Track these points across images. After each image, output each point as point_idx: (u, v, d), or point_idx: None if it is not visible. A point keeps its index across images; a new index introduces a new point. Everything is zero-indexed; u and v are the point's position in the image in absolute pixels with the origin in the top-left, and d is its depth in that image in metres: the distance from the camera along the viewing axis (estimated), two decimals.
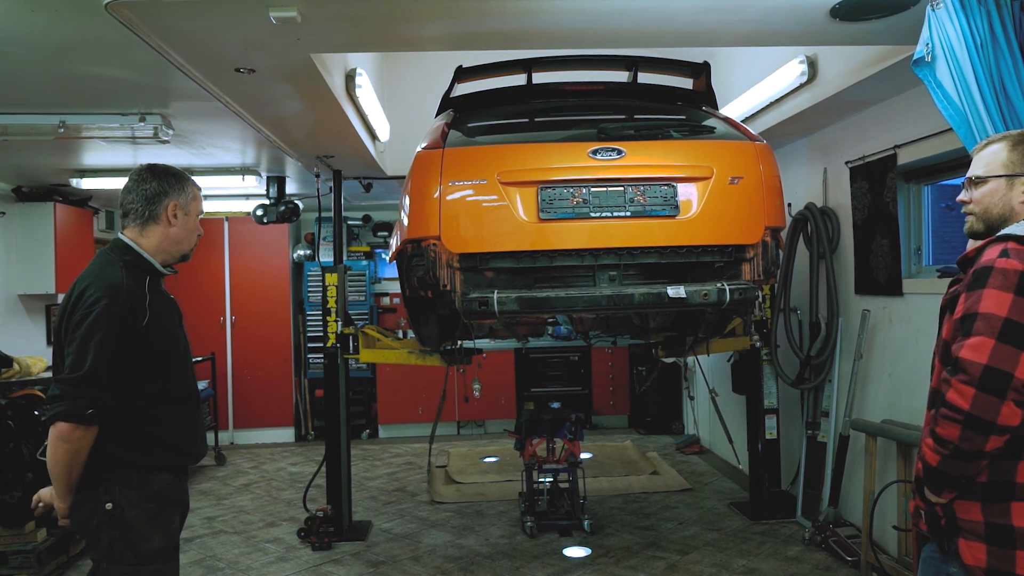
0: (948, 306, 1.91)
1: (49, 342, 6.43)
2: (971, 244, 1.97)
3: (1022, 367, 1.68)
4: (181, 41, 2.96)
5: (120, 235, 2.34)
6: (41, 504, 2.30)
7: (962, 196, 2.01)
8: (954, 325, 1.82)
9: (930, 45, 2.59)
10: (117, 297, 2.16)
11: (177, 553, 2.39)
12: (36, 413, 4.48)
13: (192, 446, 2.40)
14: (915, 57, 2.66)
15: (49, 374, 5.12)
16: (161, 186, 2.33)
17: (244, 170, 5.94)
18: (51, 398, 2.13)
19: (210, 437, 7.28)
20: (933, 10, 2.59)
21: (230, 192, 6.86)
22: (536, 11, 2.83)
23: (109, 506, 2.18)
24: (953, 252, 1.84)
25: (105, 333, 2.12)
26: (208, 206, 7.48)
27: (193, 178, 2.47)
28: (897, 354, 4.30)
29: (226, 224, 8.04)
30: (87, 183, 5.94)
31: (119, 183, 5.94)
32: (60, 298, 6.49)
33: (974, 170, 1.98)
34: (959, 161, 3.74)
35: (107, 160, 5.42)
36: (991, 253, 1.80)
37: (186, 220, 2.37)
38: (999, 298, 1.72)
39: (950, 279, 2.00)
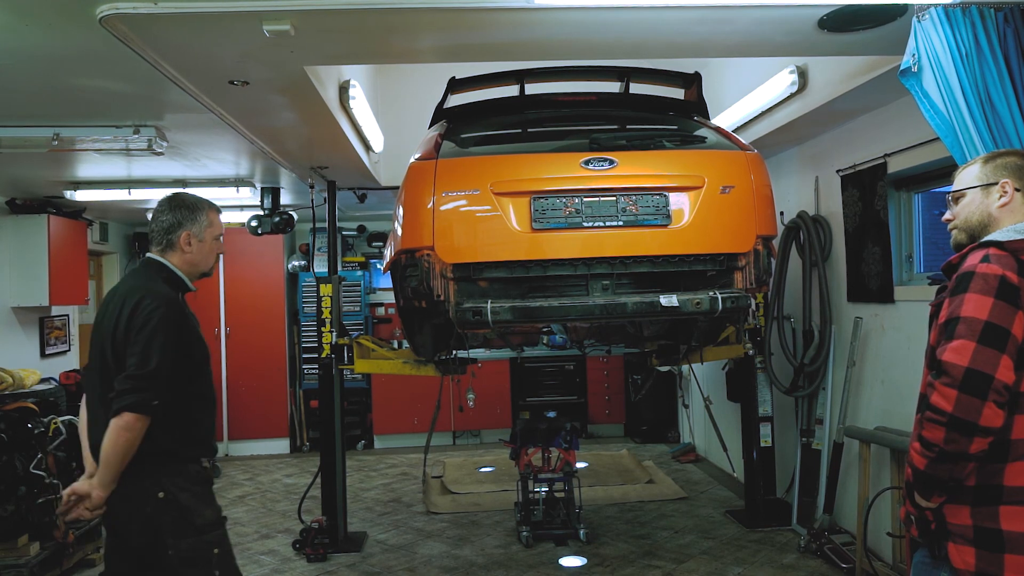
0: (936, 313, 1.94)
1: (42, 355, 6.42)
2: None
3: (1002, 369, 1.72)
4: (175, 54, 2.98)
5: (150, 255, 2.65)
6: (75, 497, 2.42)
7: (946, 216, 2.11)
8: (939, 330, 1.86)
9: (916, 55, 2.62)
10: (171, 307, 2.51)
11: (225, 521, 2.67)
12: (29, 426, 4.46)
13: (214, 441, 2.73)
14: (902, 67, 2.69)
15: (42, 387, 5.11)
16: (175, 218, 2.63)
17: (238, 181, 5.95)
18: (120, 393, 2.37)
19: None
20: (919, 21, 2.62)
21: (224, 203, 6.84)
22: (528, 23, 2.85)
23: (161, 495, 2.46)
24: (945, 259, 1.90)
25: (165, 337, 2.44)
26: None
27: (210, 200, 2.76)
28: (890, 361, 4.32)
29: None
30: (81, 195, 5.94)
31: (113, 195, 6.02)
32: (54, 310, 6.54)
33: (953, 188, 2.09)
34: (948, 169, 3.74)
35: (101, 172, 5.42)
36: (973, 259, 1.85)
37: (200, 246, 2.69)
38: (980, 302, 1.77)
39: (939, 286, 2.04)
